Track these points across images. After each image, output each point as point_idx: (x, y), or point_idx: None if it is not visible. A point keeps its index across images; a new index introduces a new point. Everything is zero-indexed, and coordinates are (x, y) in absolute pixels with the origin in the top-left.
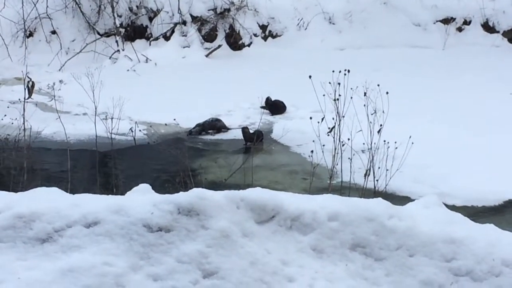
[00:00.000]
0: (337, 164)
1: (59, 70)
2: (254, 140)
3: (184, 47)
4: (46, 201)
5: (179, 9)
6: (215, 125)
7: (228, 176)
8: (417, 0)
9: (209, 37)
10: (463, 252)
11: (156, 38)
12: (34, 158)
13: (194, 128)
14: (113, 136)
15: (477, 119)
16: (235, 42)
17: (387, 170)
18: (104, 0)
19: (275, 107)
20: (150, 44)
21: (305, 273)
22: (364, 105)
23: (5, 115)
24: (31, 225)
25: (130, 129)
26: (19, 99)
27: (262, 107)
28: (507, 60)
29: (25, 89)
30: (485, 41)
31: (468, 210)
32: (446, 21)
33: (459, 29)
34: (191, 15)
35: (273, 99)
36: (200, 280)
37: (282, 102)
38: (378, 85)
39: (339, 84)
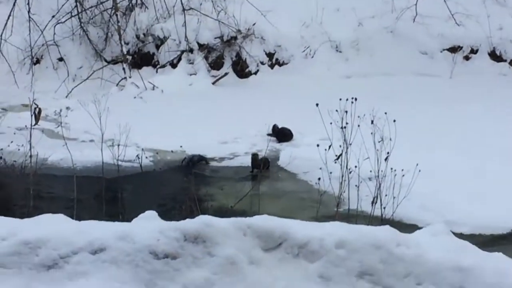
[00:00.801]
0: (344, 192)
1: (66, 97)
2: (261, 167)
3: (190, 75)
4: (52, 227)
5: (186, 37)
6: (195, 160)
7: (235, 203)
8: (424, 29)
9: (216, 64)
10: (471, 281)
11: (163, 66)
12: (40, 185)
13: (183, 161)
14: (120, 163)
15: (483, 147)
16: (241, 70)
17: (394, 197)
18: (111, 27)
19: (282, 134)
20: (157, 72)
21: None
22: (371, 133)
23: (12, 142)
24: (36, 252)
25: (137, 156)
26: (26, 126)
27: (268, 134)
28: None
29: (32, 115)
30: (492, 69)
31: (476, 238)
32: (453, 49)
33: (466, 58)
34: (198, 43)
35: (279, 126)
36: None
37: (289, 130)
38: (386, 113)
39: (346, 112)
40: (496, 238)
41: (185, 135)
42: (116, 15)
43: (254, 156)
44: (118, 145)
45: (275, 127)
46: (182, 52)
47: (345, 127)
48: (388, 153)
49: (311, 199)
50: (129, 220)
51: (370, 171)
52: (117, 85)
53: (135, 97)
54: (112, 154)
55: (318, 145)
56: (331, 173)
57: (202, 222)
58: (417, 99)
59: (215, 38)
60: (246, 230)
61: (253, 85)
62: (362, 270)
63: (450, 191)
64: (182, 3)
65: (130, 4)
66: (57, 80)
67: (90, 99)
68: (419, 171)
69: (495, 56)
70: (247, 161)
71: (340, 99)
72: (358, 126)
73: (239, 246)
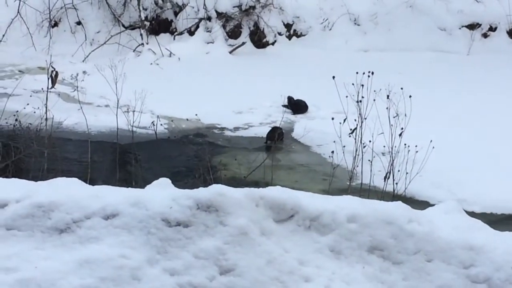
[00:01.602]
0: (357, 166)
1: (83, 61)
2: (275, 138)
3: (208, 43)
4: (66, 191)
5: (204, 4)
6: None
7: (248, 173)
8: (442, 5)
9: (233, 34)
10: (482, 259)
11: (181, 33)
12: (55, 148)
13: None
14: (134, 129)
15: (499, 127)
16: (259, 40)
17: (407, 173)
18: None
19: (297, 106)
20: (174, 39)
21: (322, 274)
22: (387, 108)
23: (28, 104)
24: (49, 215)
25: (152, 122)
26: (42, 89)
27: (283, 105)
28: None
29: (48, 78)
30: (510, 48)
31: (487, 217)
32: (472, 26)
33: (485, 35)
34: (216, 11)
35: (295, 98)
36: (216, 277)
37: (304, 102)
38: (402, 88)
39: (362, 85)
40: (507, 217)
41: (200, 104)
42: None
43: (274, 129)
44: (133, 111)
45: (290, 99)
46: (200, 20)
47: (360, 101)
48: (402, 128)
49: (324, 172)
50: (142, 186)
51: (384, 146)
52: (134, 51)
53: (151, 64)
54: (127, 120)
55: (333, 118)
56: (344, 146)
57: (215, 191)
58: (434, 76)
59: (234, 7)
60: (258, 201)
61: (270, 56)
62: (373, 245)
63: (463, 169)
64: None
65: None
66: (75, 43)
67: (106, 64)
68: (433, 148)
69: None
70: (261, 132)
71: (357, 73)
72: (374, 100)
73: (251, 216)
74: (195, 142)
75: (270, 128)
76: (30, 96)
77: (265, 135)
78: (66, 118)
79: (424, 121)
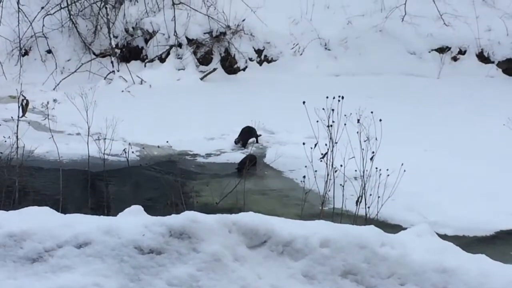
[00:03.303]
0: (329, 190)
1: (54, 89)
2: (247, 164)
3: (179, 70)
4: (37, 220)
5: (175, 31)
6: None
7: (220, 199)
8: (412, 29)
9: (205, 60)
10: (455, 282)
11: (151, 60)
12: (26, 177)
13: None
14: (106, 157)
15: (469, 149)
16: (230, 66)
17: (379, 197)
18: (101, 20)
19: (246, 136)
20: (145, 66)
21: None
22: (357, 132)
23: None
24: (21, 244)
25: (124, 150)
26: (12, 117)
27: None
28: (501, 90)
29: (19, 107)
30: (479, 71)
31: (460, 239)
32: (441, 50)
33: (454, 59)
34: (187, 38)
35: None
36: None
37: (248, 127)
38: (372, 112)
39: (332, 110)
40: (480, 240)
41: (172, 131)
42: (106, 7)
43: (246, 156)
44: (105, 139)
45: (238, 140)
46: (171, 46)
47: (331, 126)
48: (373, 152)
49: (296, 197)
50: (114, 214)
51: (356, 170)
52: (105, 78)
53: (122, 91)
54: (98, 148)
55: (304, 143)
56: (316, 171)
57: (187, 218)
58: (404, 99)
59: (204, 33)
60: (231, 226)
61: (241, 82)
62: (346, 269)
63: (434, 191)
64: None
65: None
66: (45, 72)
67: (77, 92)
68: (404, 171)
69: (483, 57)
70: (233, 158)
71: (327, 97)
72: (345, 124)
73: (224, 242)
74: (167, 169)
75: (241, 154)
76: (0, 125)
77: (237, 161)
78: (37, 147)
79: (395, 145)
